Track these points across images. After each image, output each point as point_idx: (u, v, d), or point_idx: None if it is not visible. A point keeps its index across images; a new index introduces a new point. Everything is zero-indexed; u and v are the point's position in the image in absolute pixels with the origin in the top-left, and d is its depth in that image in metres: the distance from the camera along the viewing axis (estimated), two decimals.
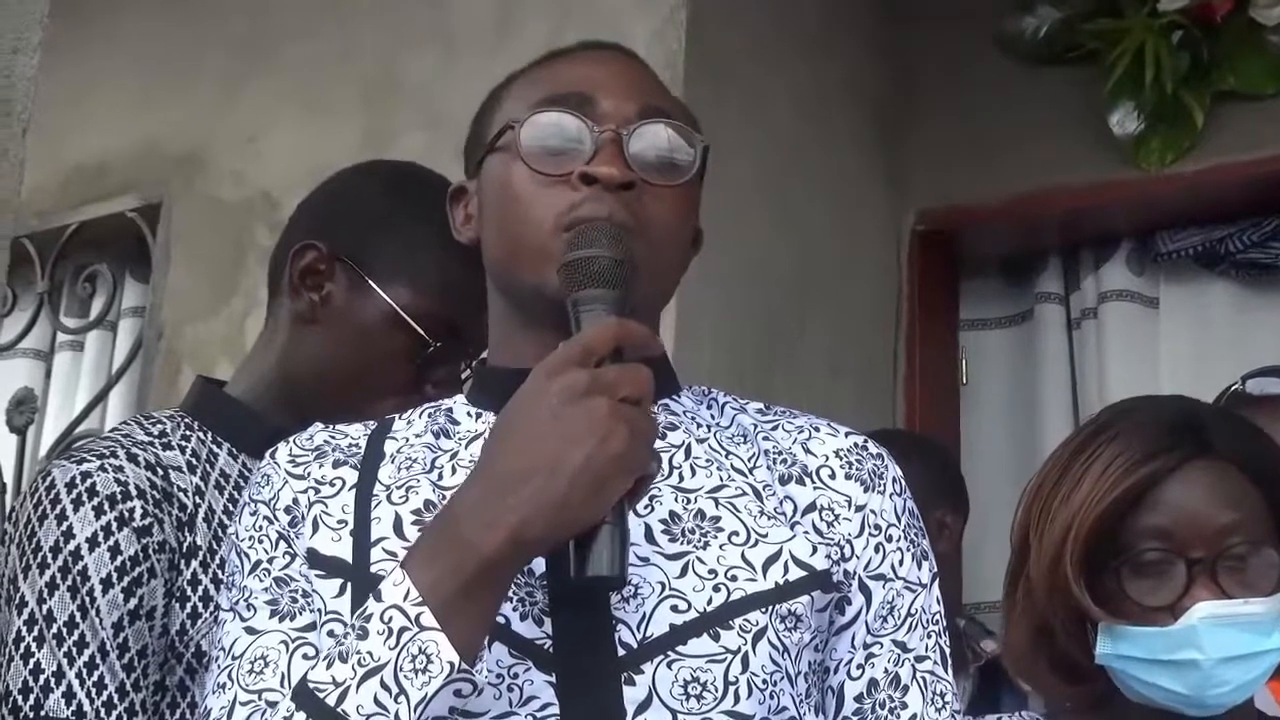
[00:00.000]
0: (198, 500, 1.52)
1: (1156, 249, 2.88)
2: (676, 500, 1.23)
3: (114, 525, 1.45)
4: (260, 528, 1.26)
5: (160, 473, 1.51)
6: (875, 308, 2.94)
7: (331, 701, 1.08)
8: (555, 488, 1.08)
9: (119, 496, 1.46)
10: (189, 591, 1.49)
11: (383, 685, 1.07)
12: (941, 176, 2.98)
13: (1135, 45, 2.74)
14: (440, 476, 1.26)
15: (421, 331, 1.60)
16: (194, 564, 1.50)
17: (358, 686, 1.08)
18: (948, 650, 1.29)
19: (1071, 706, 1.61)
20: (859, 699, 1.25)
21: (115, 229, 3.16)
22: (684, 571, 1.20)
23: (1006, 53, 2.97)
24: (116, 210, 3.13)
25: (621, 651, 1.16)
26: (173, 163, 3.09)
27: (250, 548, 1.26)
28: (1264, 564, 1.50)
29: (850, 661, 1.25)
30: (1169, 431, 1.54)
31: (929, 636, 1.27)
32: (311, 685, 1.09)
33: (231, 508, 1.53)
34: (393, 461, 1.28)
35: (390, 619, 1.08)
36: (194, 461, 1.55)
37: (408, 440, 1.30)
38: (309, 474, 1.28)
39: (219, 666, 1.22)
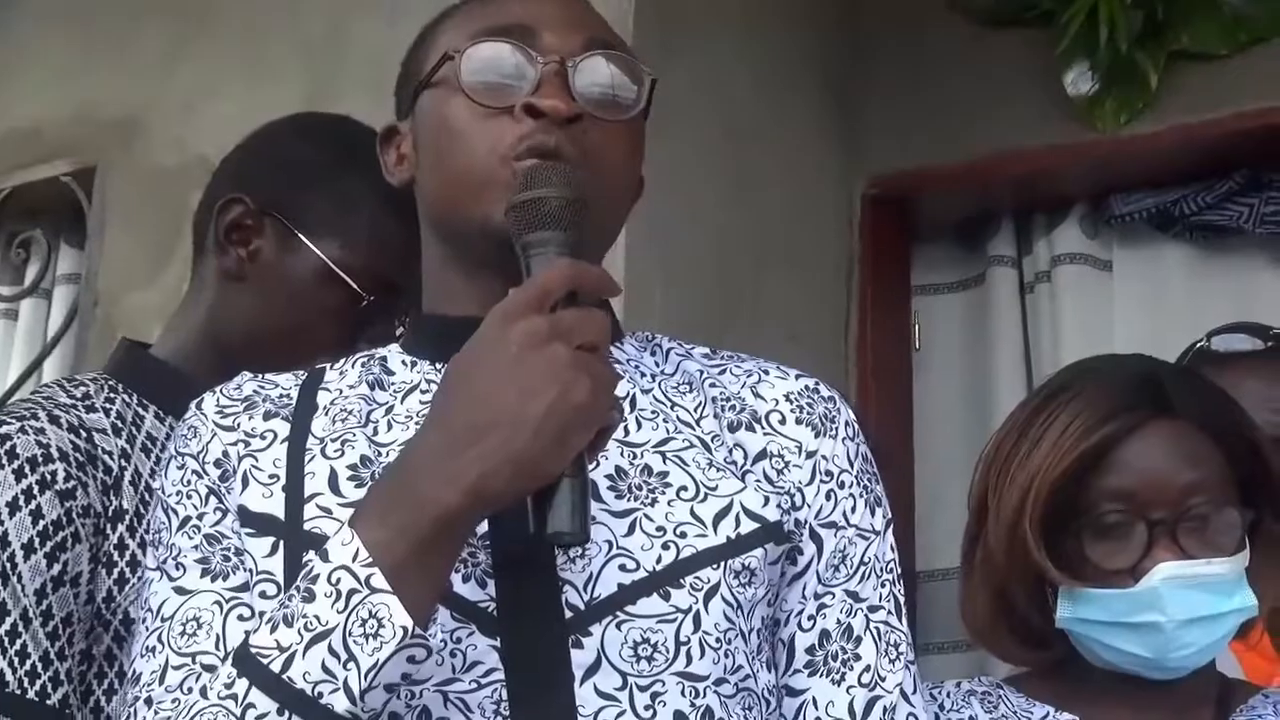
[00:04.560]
0: (123, 463, 1.47)
1: (1110, 211, 2.85)
2: (622, 455, 1.19)
3: (35, 489, 1.40)
4: (189, 482, 1.21)
5: (84, 435, 1.45)
6: (828, 273, 2.92)
7: (276, 668, 1.03)
8: (518, 440, 1.03)
9: (40, 459, 1.41)
10: (115, 557, 1.44)
11: (331, 651, 1.03)
12: (894, 140, 2.95)
13: (1089, 5, 2.69)
14: (375, 431, 1.21)
15: (355, 286, 1.56)
16: (120, 528, 1.45)
17: (304, 652, 1.03)
18: (902, 599, 1.26)
19: (1032, 672, 1.59)
20: (810, 651, 1.21)
21: (50, 194, 3.09)
22: (632, 529, 1.16)
23: (959, 15, 2.94)
24: (51, 175, 3.06)
25: (568, 614, 1.12)
26: (109, 127, 3.02)
27: (178, 503, 1.21)
28: (1225, 524, 1.49)
29: (801, 613, 1.22)
30: (1128, 391, 1.53)
31: (882, 585, 1.24)
32: (254, 650, 1.05)
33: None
34: (326, 414, 1.23)
35: (338, 580, 1.04)
36: (119, 424, 1.50)
37: (341, 391, 1.25)
38: (238, 425, 1.23)
39: (147, 628, 1.17)
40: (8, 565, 1.37)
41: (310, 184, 1.60)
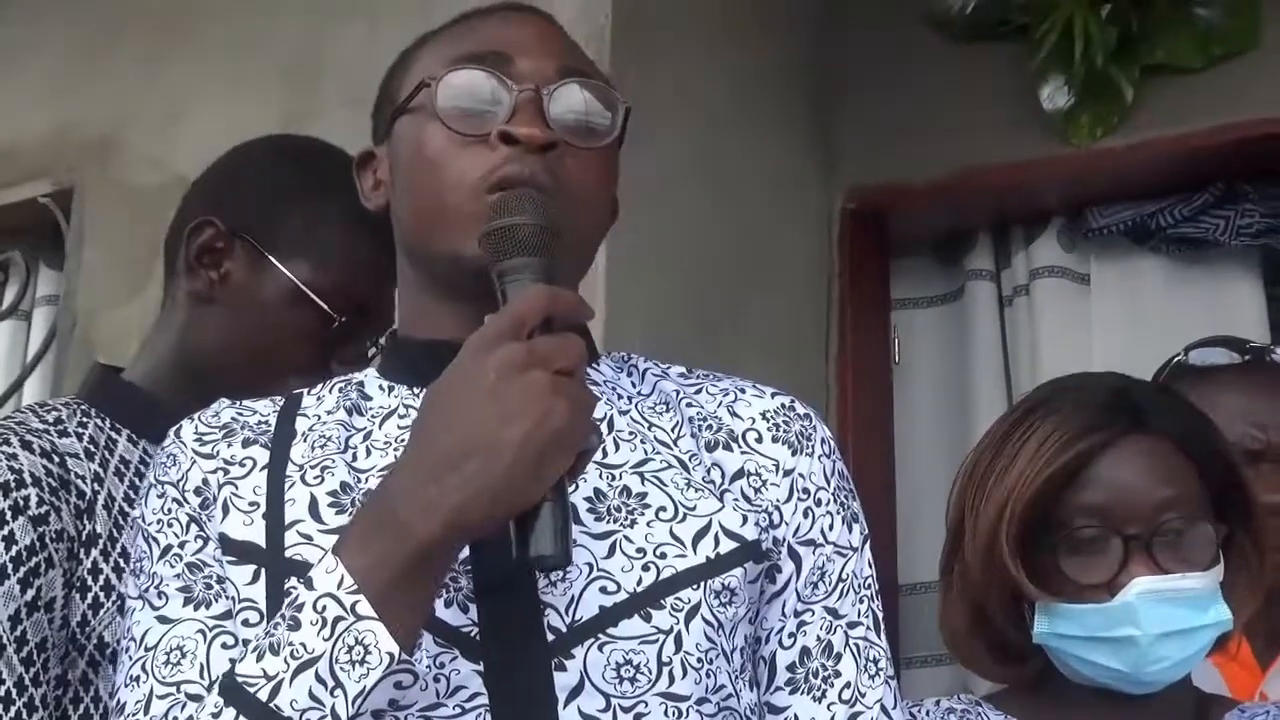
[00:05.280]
0: (96, 487, 1.47)
1: (1087, 225, 2.86)
2: (601, 477, 1.20)
3: (8, 514, 1.39)
4: (169, 510, 1.21)
5: (56, 460, 1.45)
6: (807, 287, 2.92)
7: (263, 696, 1.04)
8: (495, 468, 1.03)
9: (13, 484, 1.40)
10: (89, 581, 1.43)
11: (318, 679, 1.03)
12: (872, 154, 2.95)
13: (1064, 19, 2.70)
14: (355, 458, 1.22)
15: (326, 307, 1.56)
16: (94, 553, 1.44)
17: (291, 680, 1.03)
18: (881, 615, 1.26)
19: (1010, 688, 1.60)
20: (791, 668, 1.22)
21: (28, 215, 3.07)
22: (612, 551, 1.16)
23: (936, 29, 2.94)
24: (29, 196, 3.05)
25: (551, 637, 1.13)
26: (87, 147, 3.01)
27: (159, 532, 1.21)
28: (1200, 539, 1.50)
29: (781, 630, 1.23)
30: (1103, 408, 1.53)
31: (861, 602, 1.25)
32: (241, 679, 1.05)
33: (133, 495, 1.47)
34: (305, 440, 1.23)
35: (324, 608, 1.04)
36: (92, 448, 1.50)
37: (319, 417, 1.25)
38: (218, 453, 1.23)
39: (130, 658, 1.17)
40: None
41: (280, 206, 1.60)
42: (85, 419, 1.53)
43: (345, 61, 2.67)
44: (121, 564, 1.44)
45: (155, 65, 2.97)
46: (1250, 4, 2.68)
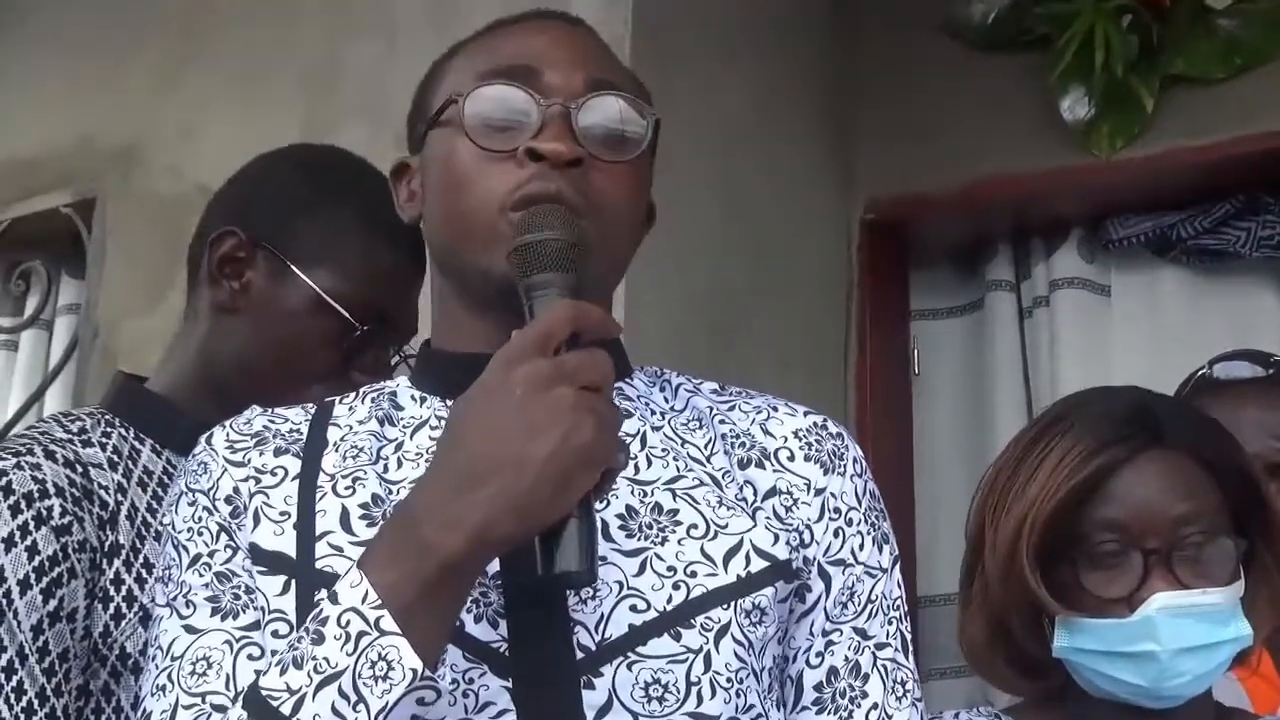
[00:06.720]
0: (119, 498, 1.47)
1: (1107, 236, 2.86)
2: (633, 494, 1.19)
3: (31, 524, 1.39)
4: (199, 519, 1.21)
5: (80, 470, 1.45)
6: (826, 297, 2.92)
7: (286, 710, 1.03)
8: (520, 484, 1.02)
9: (36, 494, 1.40)
10: (112, 591, 1.43)
11: (341, 693, 1.03)
12: (891, 164, 2.96)
13: (1085, 29, 2.71)
14: (386, 469, 1.21)
15: (348, 315, 1.56)
16: (116, 563, 1.44)
17: (314, 694, 1.03)
18: (910, 637, 1.26)
19: (1029, 701, 1.59)
20: (818, 688, 1.21)
21: (49, 225, 3.09)
22: (642, 569, 1.16)
23: (955, 39, 2.95)
24: (50, 206, 3.06)
25: (580, 654, 1.12)
26: (107, 157, 3.02)
27: (189, 540, 1.21)
28: (1219, 554, 1.49)
29: (809, 649, 1.22)
30: (1123, 423, 1.53)
31: (890, 623, 1.24)
32: (264, 693, 1.05)
33: (155, 505, 1.48)
34: (336, 450, 1.23)
35: (348, 623, 1.04)
36: (115, 458, 1.50)
37: (351, 427, 1.25)
38: (249, 461, 1.23)
39: (157, 667, 1.17)
40: (3, 601, 1.37)
41: (301, 215, 1.60)
42: (109, 429, 1.54)
43: (363, 72, 2.68)
44: (144, 575, 1.44)
45: (175, 76, 2.98)
46: (1271, 15, 2.67)
